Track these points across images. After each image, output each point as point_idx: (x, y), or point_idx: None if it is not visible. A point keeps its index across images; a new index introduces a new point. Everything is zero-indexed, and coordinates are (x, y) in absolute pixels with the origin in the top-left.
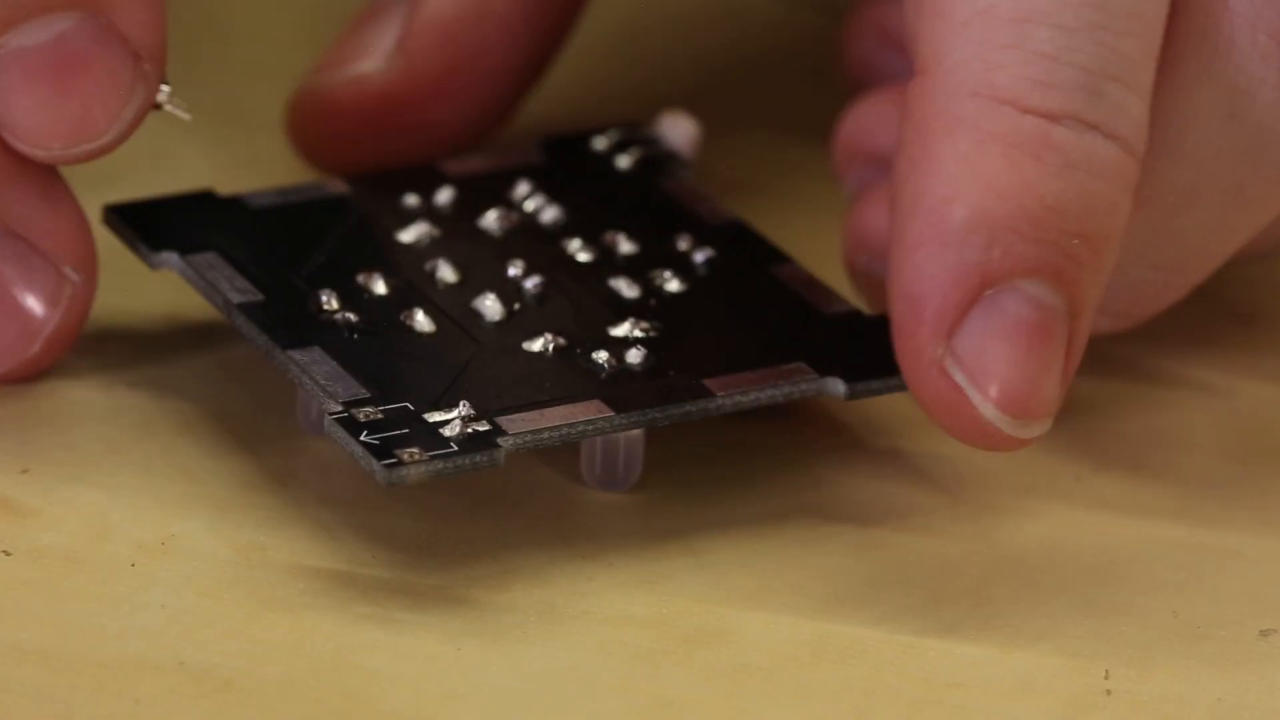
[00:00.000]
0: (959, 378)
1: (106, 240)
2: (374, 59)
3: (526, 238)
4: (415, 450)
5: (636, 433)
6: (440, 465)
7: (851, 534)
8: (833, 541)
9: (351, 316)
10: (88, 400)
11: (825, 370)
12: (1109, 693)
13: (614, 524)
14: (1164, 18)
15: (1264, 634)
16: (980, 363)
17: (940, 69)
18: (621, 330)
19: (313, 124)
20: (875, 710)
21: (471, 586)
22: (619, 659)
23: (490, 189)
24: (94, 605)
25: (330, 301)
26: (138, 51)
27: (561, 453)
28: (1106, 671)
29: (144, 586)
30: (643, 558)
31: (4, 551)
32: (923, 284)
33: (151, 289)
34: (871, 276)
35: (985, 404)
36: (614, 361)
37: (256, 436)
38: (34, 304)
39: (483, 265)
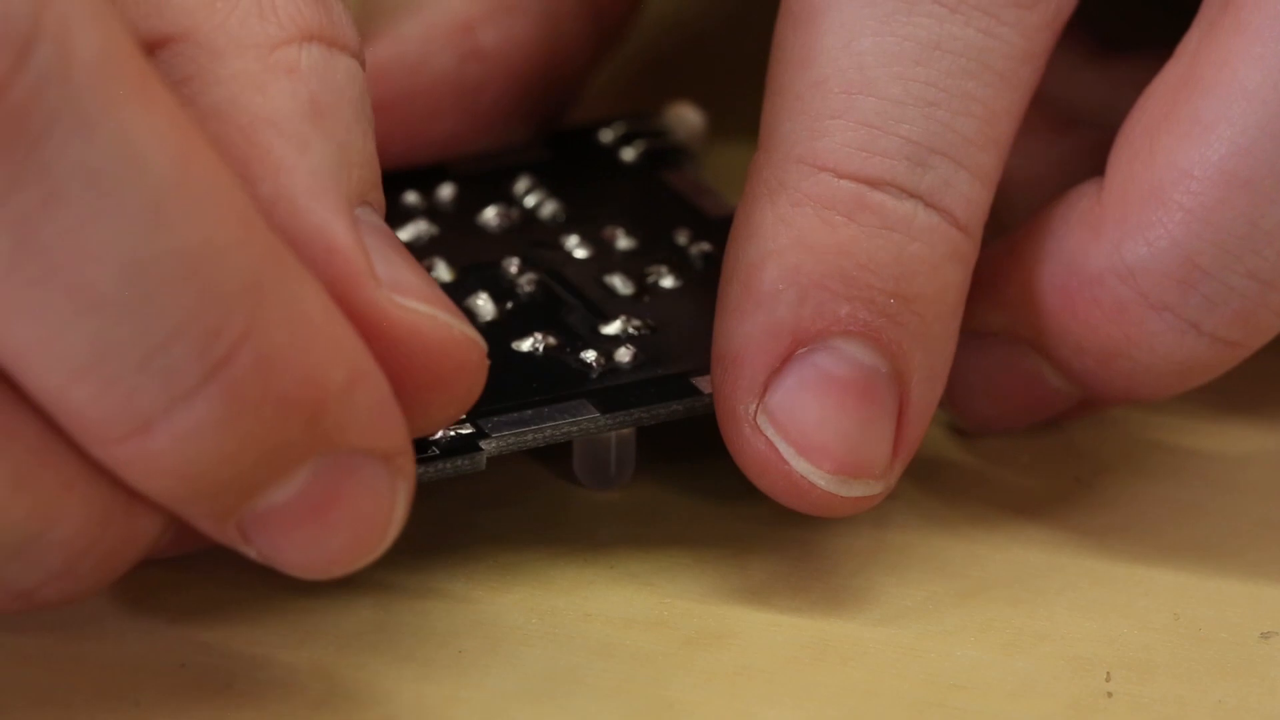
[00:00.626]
0: (770, 433)
1: None
2: None
3: (525, 234)
4: None
5: (627, 432)
6: (422, 470)
7: (852, 536)
8: (833, 544)
9: None
10: None
11: None
12: (1110, 695)
13: (615, 526)
14: (1012, 108)
15: (1265, 636)
16: (791, 418)
17: (771, 140)
18: (613, 328)
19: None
20: (876, 712)
21: (472, 588)
22: (620, 661)
23: (492, 184)
24: (95, 606)
25: None
26: (386, 453)
27: (552, 451)
28: (1108, 674)
29: (145, 588)
30: (643, 560)
31: None
32: (737, 344)
33: None
34: None
35: (797, 458)
36: (603, 360)
37: None
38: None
39: (479, 263)
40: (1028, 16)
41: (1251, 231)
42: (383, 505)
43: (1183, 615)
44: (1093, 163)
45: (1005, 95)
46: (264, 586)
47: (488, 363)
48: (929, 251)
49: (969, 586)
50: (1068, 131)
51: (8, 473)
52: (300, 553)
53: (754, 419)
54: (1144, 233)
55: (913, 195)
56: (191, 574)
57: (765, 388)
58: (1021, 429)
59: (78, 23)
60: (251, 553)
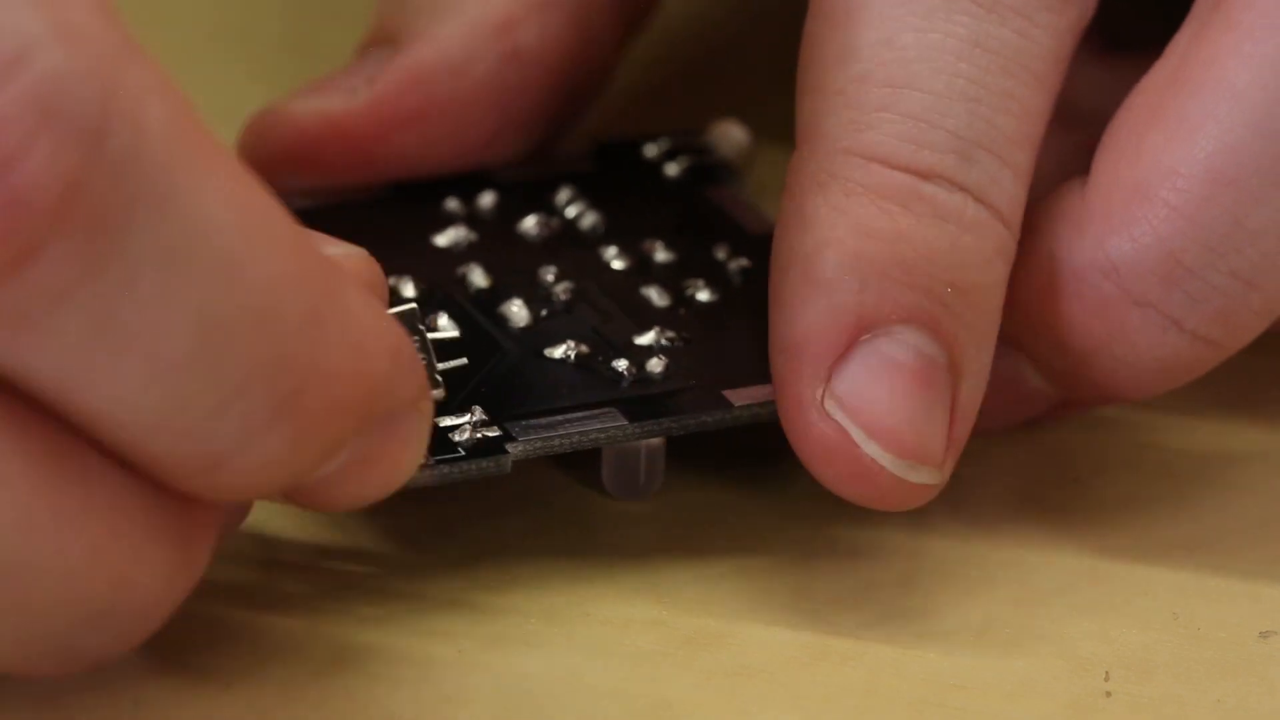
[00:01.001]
0: (840, 417)
1: None
2: (341, 93)
3: (564, 244)
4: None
5: (657, 442)
6: (446, 470)
7: (851, 537)
8: (833, 544)
9: None
10: None
11: None
12: (1109, 694)
13: (614, 527)
14: (1044, 109)
15: (1264, 635)
16: (861, 402)
17: (814, 135)
18: (646, 339)
19: (265, 144)
20: (875, 713)
21: (471, 589)
22: (619, 661)
23: (534, 195)
24: None
25: None
26: (411, 401)
27: (582, 461)
28: (1107, 673)
29: None
30: (643, 560)
31: None
32: (799, 331)
33: None
34: None
35: (868, 441)
36: (634, 370)
37: None
38: None
39: (515, 271)
40: (1057, 20)
41: (1235, 230)
42: (413, 444)
43: (1182, 615)
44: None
45: (1039, 95)
46: (263, 587)
47: None
48: (981, 244)
49: (967, 586)
50: (1072, 129)
51: (85, 547)
52: (337, 501)
53: (821, 404)
54: (1128, 229)
55: (962, 189)
56: None
57: (830, 374)
58: (998, 431)
59: (148, 97)
60: (282, 500)
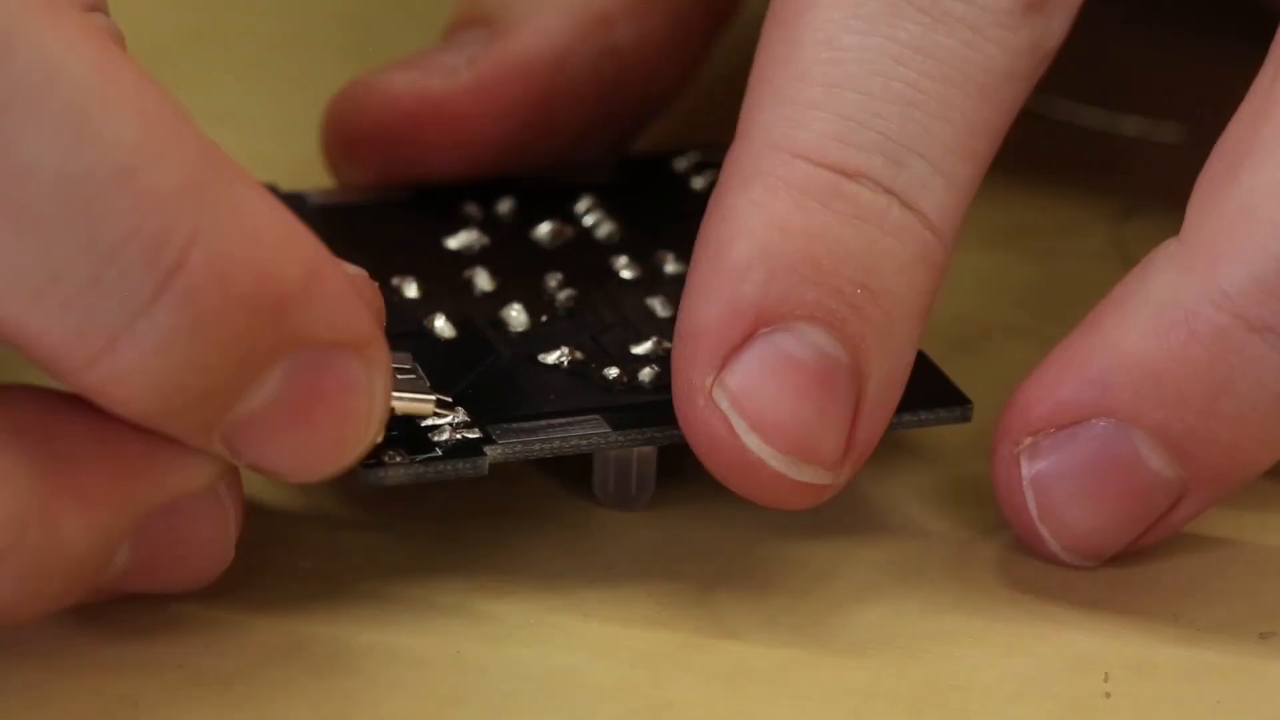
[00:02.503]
0: (724, 406)
1: None
2: (441, 72)
3: (575, 252)
4: (397, 453)
5: (649, 451)
6: (421, 469)
7: (851, 537)
8: (832, 545)
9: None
10: None
11: None
12: (1109, 695)
13: (613, 527)
14: (990, 123)
15: (1264, 636)
16: (748, 394)
17: (748, 131)
18: (643, 348)
19: (358, 116)
20: (875, 713)
21: (470, 590)
22: (618, 661)
23: (554, 202)
24: (94, 607)
25: None
26: (355, 342)
27: (576, 470)
28: (1106, 674)
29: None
30: (642, 561)
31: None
32: (699, 319)
33: None
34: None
35: (749, 434)
36: (625, 378)
37: None
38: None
39: (522, 276)
40: (1010, 37)
41: None
42: (361, 395)
43: (1181, 615)
44: None
45: (985, 109)
46: (262, 587)
47: None
48: (900, 249)
49: (967, 587)
50: None
51: None
52: (288, 456)
53: (710, 393)
54: (1237, 253)
55: (888, 191)
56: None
57: (724, 363)
58: (1118, 545)
59: None
60: (241, 464)
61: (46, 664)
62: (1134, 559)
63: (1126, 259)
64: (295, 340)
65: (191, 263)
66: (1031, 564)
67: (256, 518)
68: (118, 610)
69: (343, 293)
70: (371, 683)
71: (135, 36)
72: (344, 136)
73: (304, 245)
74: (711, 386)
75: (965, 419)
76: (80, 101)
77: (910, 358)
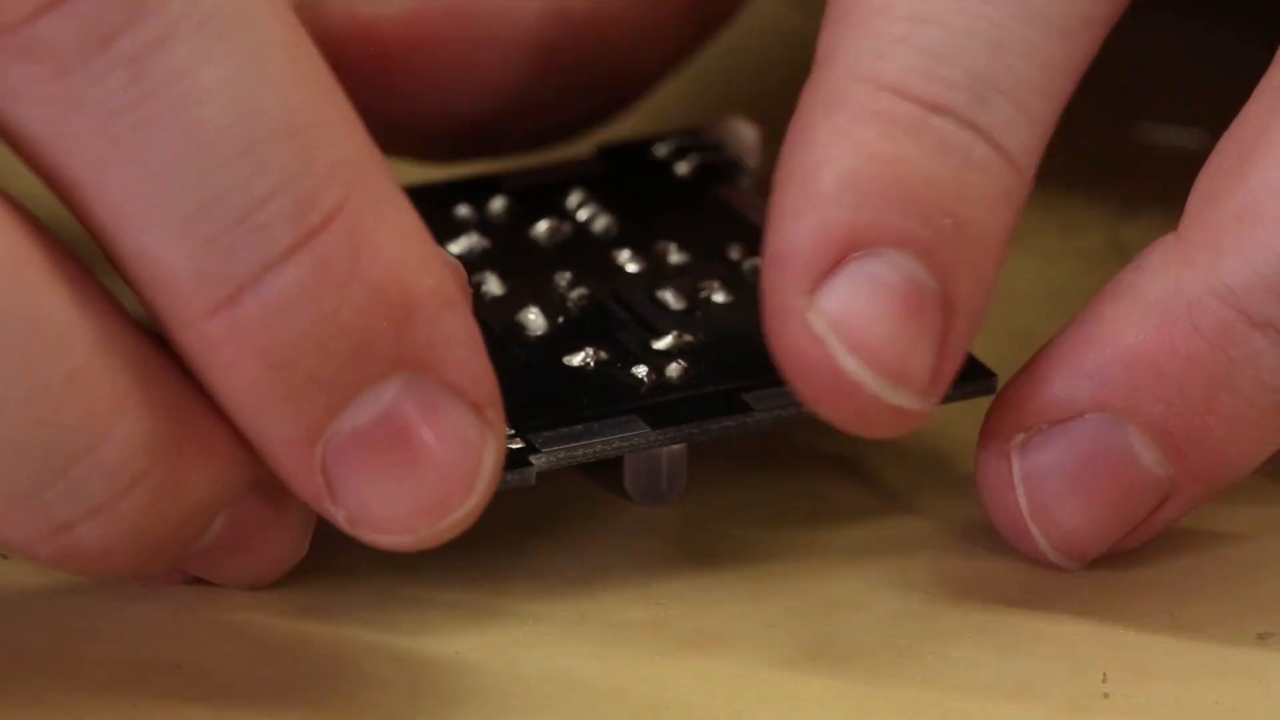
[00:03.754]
0: (820, 328)
1: None
2: (383, 2)
3: (576, 248)
4: None
5: (679, 447)
6: None
7: (849, 538)
8: (830, 545)
9: None
10: None
11: None
12: (1107, 696)
13: (611, 527)
14: (1070, 66)
15: (1262, 637)
16: (844, 315)
17: (830, 62)
18: (664, 343)
19: None
20: (873, 714)
21: (468, 590)
22: (616, 662)
23: (544, 198)
24: (92, 608)
25: None
26: (475, 401)
27: (603, 466)
28: (1104, 675)
29: (142, 590)
30: (640, 561)
31: (2, 555)
32: (789, 243)
33: None
34: None
35: (848, 356)
36: (654, 376)
37: None
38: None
39: (530, 277)
40: None
41: None
42: (470, 455)
43: (1180, 616)
44: None
45: (1064, 51)
46: (262, 587)
47: None
48: (988, 184)
49: (966, 587)
50: None
51: (63, 372)
52: (386, 501)
53: (804, 315)
54: (1241, 249)
55: (973, 127)
56: (187, 575)
57: (816, 286)
58: (1111, 541)
59: None
60: (339, 515)
61: (46, 664)
62: (1131, 560)
63: (1126, 259)
64: (413, 360)
65: (333, 229)
66: (1029, 564)
67: None
68: (117, 610)
69: (473, 341)
70: (371, 683)
71: None
72: None
73: (443, 270)
74: (807, 308)
75: (992, 391)
76: (264, 50)
77: (989, 295)
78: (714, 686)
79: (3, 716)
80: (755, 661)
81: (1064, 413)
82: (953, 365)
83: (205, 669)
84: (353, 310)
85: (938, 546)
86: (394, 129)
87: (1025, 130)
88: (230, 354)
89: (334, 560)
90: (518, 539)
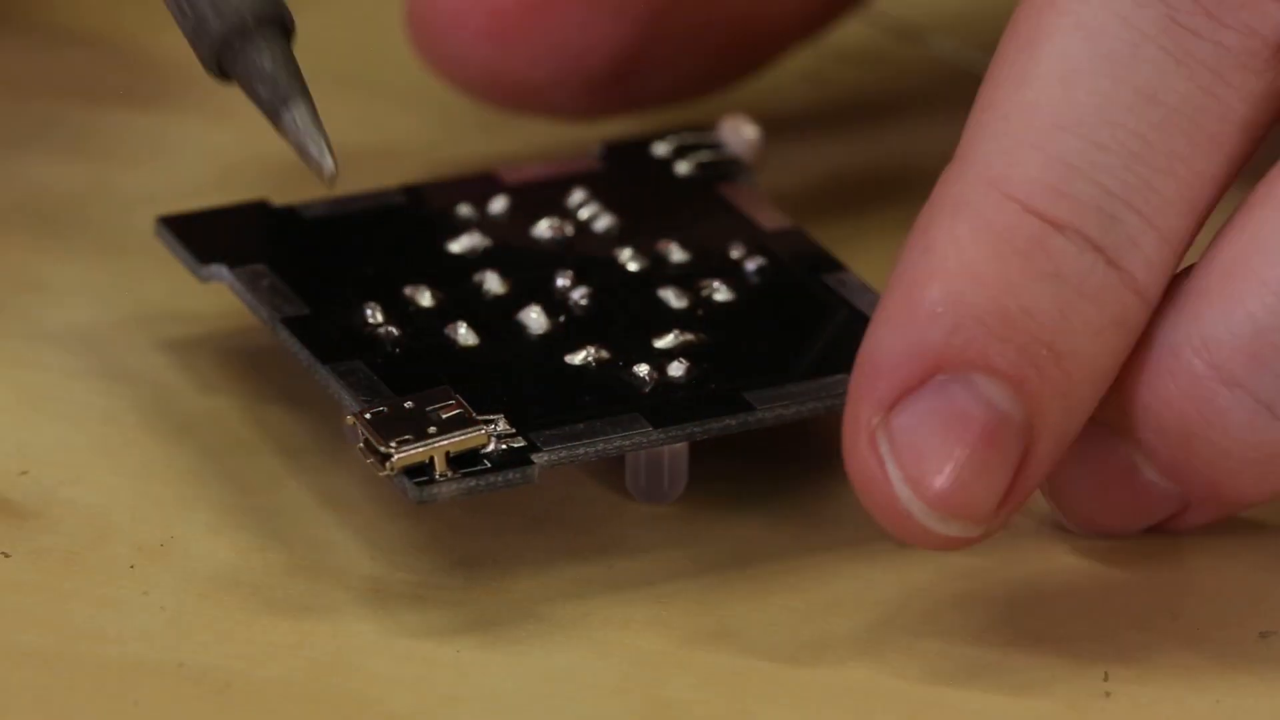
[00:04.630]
0: (884, 449)
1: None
2: None
3: (578, 247)
4: (448, 469)
5: (681, 446)
6: (473, 483)
7: (850, 537)
8: (832, 544)
9: (394, 330)
10: (87, 402)
11: None
12: (1108, 694)
13: (613, 526)
14: (1218, 175)
15: (1264, 636)
16: (909, 441)
17: (968, 156)
18: (665, 342)
19: (417, 21)
20: (875, 712)
21: (470, 588)
22: (618, 660)
23: (546, 197)
24: (93, 607)
25: (375, 315)
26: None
27: (603, 464)
28: (1106, 673)
29: (143, 588)
30: (642, 559)
31: (3, 553)
32: (880, 353)
33: (156, 295)
34: None
35: (902, 485)
36: (655, 374)
37: (256, 440)
38: None
39: (531, 276)
40: (1253, 82)
41: None
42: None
43: (1181, 615)
44: None
45: (1213, 160)
46: (260, 587)
47: None
48: (1096, 313)
49: (967, 586)
50: None
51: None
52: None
53: (874, 432)
54: (1222, 304)
55: (1096, 248)
56: (186, 575)
57: (894, 404)
58: (1126, 530)
59: None
60: None
61: (46, 664)
62: (1132, 559)
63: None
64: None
65: None
66: (1031, 563)
67: (254, 518)
68: (117, 610)
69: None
70: (371, 682)
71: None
72: (409, 31)
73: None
74: (878, 426)
75: None
76: None
77: (1082, 422)
78: (715, 685)
79: (3, 716)
80: (756, 660)
81: None
82: (1027, 489)
83: (206, 668)
84: None
85: None
86: (522, 91)
87: (1155, 249)
88: None
89: (333, 559)
90: (518, 538)
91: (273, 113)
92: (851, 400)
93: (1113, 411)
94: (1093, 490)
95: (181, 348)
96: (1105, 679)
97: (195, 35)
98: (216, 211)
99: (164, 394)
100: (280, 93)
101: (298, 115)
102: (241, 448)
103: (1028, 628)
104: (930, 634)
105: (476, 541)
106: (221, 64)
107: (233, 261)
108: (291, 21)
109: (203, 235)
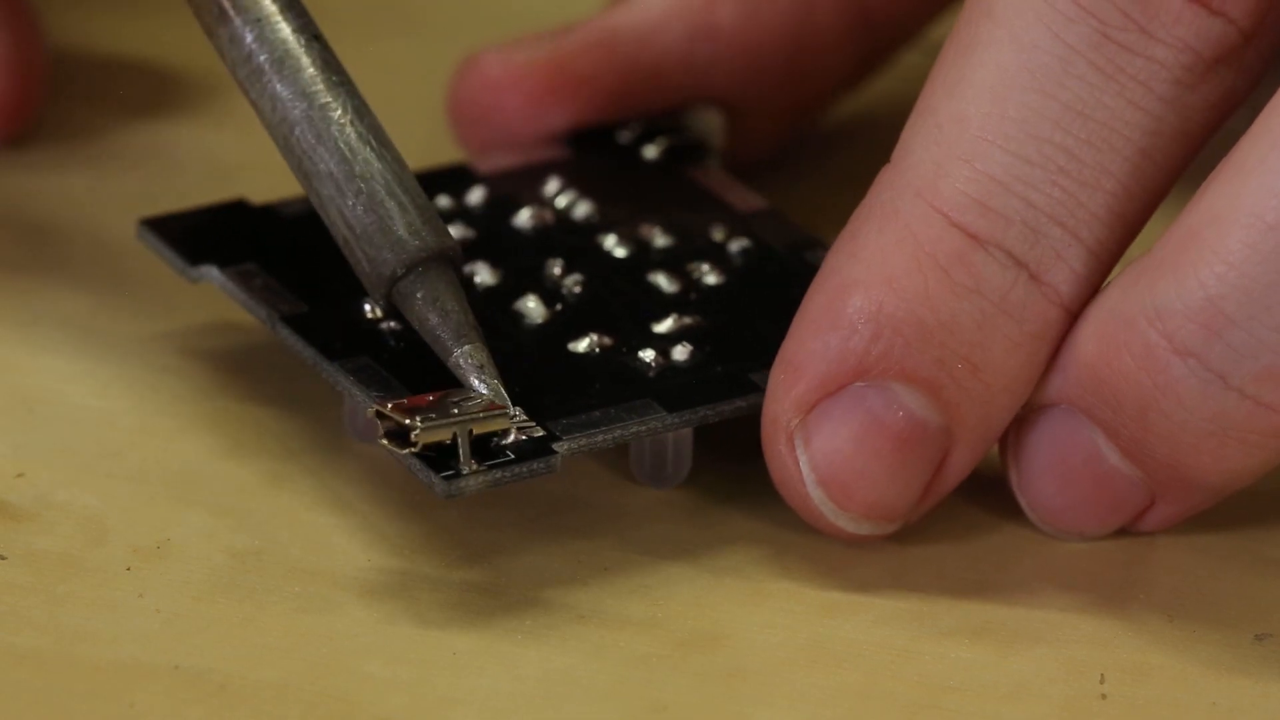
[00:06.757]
0: (800, 452)
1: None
2: (531, 47)
3: (562, 235)
4: (472, 461)
5: (685, 430)
6: (499, 474)
7: (846, 539)
8: (828, 546)
9: (395, 325)
10: (83, 404)
11: None
12: (1104, 697)
13: (609, 528)
14: (1150, 188)
15: (1259, 638)
16: (824, 446)
17: (902, 162)
18: (665, 326)
19: (460, 89)
20: (871, 714)
21: (466, 590)
22: (614, 662)
23: (521, 187)
24: (89, 609)
25: (374, 310)
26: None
27: (575, 469)
28: (1102, 676)
29: (139, 590)
30: (638, 561)
31: (1, 556)
32: (801, 356)
33: (152, 297)
34: None
35: (815, 487)
36: (661, 359)
37: (251, 442)
38: None
39: (521, 265)
40: (1186, 95)
41: None
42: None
43: (1177, 617)
44: None
45: (1144, 172)
46: (259, 587)
47: None
48: (1015, 329)
49: (964, 588)
50: None
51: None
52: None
53: (791, 434)
54: (1175, 274)
55: (1019, 264)
56: (182, 577)
57: (812, 407)
58: (1097, 529)
59: None
60: None
61: (42, 666)
62: (1129, 561)
63: (1125, 260)
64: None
65: None
66: (1028, 564)
67: (252, 518)
68: (113, 612)
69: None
70: (367, 684)
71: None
72: (450, 105)
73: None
74: (796, 428)
75: None
76: None
77: (1002, 428)
78: (711, 686)
79: (3, 716)
80: (752, 661)
81: (1036, 400)
82: (943, 491)
83: (202, 669)
84: None
85: (934, 546)
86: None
87: (1081, 262)
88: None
89: (331, 560)
90: (517, 539)
91: (444, 351)
92: (771, 397)
93: (1073, 390)
94: (1059, 483)
95: (177, 350)
96: (1102, 681)
97: (370, 268)
98: (197, 212)
99: (159, 396)
100: (456, 330)
101: (473, 352)
102: (236, 450)
103: (1023, 629)
104: (926, 637)
105: (473, 544)
106: (391, 294)
107: (221, 261)
108: (460, 255)
109: (187, 236)
